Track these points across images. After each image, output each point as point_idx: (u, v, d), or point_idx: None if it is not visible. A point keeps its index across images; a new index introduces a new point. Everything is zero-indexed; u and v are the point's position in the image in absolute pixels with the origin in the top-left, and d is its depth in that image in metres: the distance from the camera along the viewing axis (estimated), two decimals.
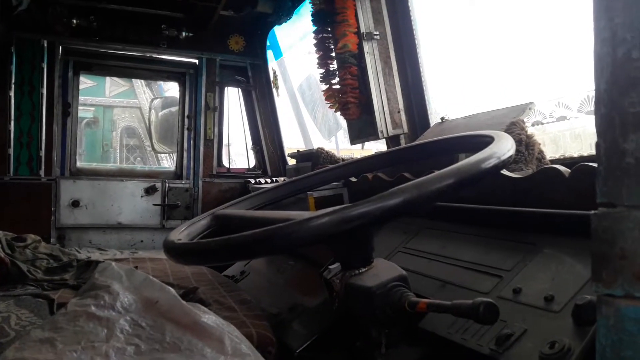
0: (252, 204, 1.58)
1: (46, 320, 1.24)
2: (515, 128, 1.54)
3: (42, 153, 3.33)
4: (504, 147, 1.05)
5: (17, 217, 3.18)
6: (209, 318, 1.26)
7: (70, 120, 3.57)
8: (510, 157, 1.04)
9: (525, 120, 1.58)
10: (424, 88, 2.40)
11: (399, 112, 2.37)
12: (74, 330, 1.11)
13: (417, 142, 1.43)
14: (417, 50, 2.37)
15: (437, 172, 0.95)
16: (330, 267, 1.07)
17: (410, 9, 2.33)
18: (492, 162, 0.97)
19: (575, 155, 1.55)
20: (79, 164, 3.75)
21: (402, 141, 2.42)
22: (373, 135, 2.39)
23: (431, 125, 2.33)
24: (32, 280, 1.97)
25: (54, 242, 3.30)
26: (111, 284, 1.39)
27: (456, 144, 1.44)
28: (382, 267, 1.07)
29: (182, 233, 1.26)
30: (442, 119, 2.20)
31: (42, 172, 3.33)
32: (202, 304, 1.74)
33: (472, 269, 1.21)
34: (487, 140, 1.13)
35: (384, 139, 2.45)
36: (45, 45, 3.35)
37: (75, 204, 3.45)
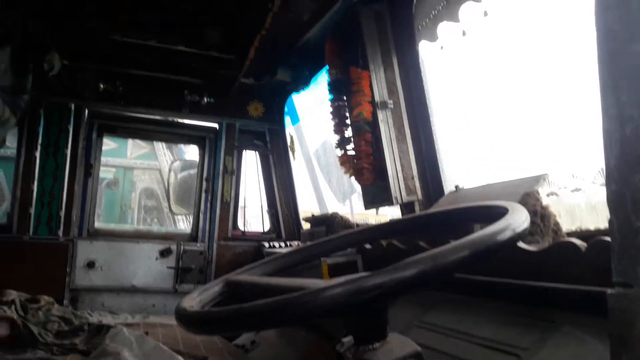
0: (265, 270, 1.57)
1: None
2: (529, 199, 1.52)
3: (62, 213, 3.39)
4: (519, 219, 1.04)
5: (33, 276, 3.19)
6: None
7: (91, 180, 3.66)
8: (525, 229, 1.03)
9: (539, 191, 1.57)
10: (438, 155, 2.43)
11: (412, 178, 2.38)
12: None
13: (431, 210, 1.43)
14: (430, 119, 2.42)
15: (451, 244, 0.94)
16: (344, 340, 1.04)
17: (424, 79, 2.41)
18: (507, 234, 0.96)
19: (592, 228, 1.52)
20: (97, 224, 3.79)
21: (417, 207, 2.41)
22: (387, 201, 2.39)
23: (445, 192, 2.32)
24: (43, 344, 1.95)
25: (66, 303, 3.28)
26: (121, 350, 1.36)
27: (470, 214, 1.43)
28: (397, 343, 1.03)
29: (194, 300, 1.25)
30: (456, 187, 2.20)
31: (60, 232, 3.38)
32: None
33: (489, 346, 1.17)
34: (501, 212, 1.12)
35: (399, 205, 2.45)
36: (73, 108, 3.50)
37: (90, 265, 3.46)
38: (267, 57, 3.10)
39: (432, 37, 2.27)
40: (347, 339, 1.05)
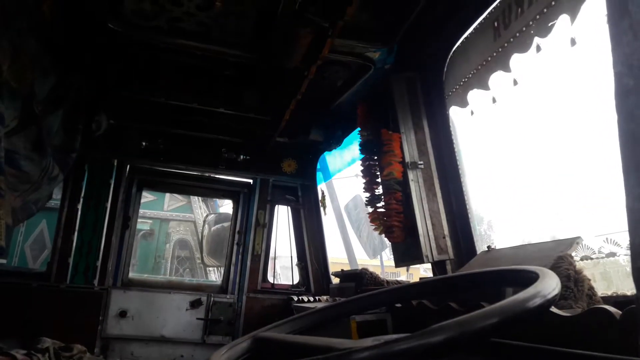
0: (293, 327, 1.59)
1: None
2: (563, 263, 1.52)
3: (99, 263, 3.51)
4: (550, 285, 1.05)
5: (67, 324, 3.27)
6: None
7: (128, 232, 3.80)
8: (556, 296, 1.04)
9: (573, 254, 1.56)
10: (469, 215, 2.44)
11: (444, 237, 2.39)
12: None
13: (463, 272, 1.44)
14: (461, 179, 2.45)
15: (480, 311, 0.96)
16: None
17: (454, 141, 2.46)
18: (537, 301, 0.96)
19: (629, 293, 1.49)
20: (131, 274, 3.89)
21: (448, 266, 2.40)
22: (418, 259, 2.39)
23: (478, 252, 2.31)
24: None
25: (97, 352, 3.33)
26: None
27: (502, 277, 1.43)
28: None
29: (222, 357, 1.29)
30: (488, 247, 2.19)
31: (96, 282, 3.48)
32: None
33: None
34: (532, 277, 1.13)
35: (430, 263, 2.44)
36: (116, 164, 3.70)
37: (122, 314, 3.52)
38: (301, 118, 3.24)
39: (463, 104, 2.34)
40: None
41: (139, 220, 4.21)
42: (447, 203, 2.46)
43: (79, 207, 3.53)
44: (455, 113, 2.54)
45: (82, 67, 2.82)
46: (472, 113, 2.48)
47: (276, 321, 4.01)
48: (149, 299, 3.64)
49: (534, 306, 0.97)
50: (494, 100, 2.33)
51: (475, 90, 2.42)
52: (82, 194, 3.56)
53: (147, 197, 7.96)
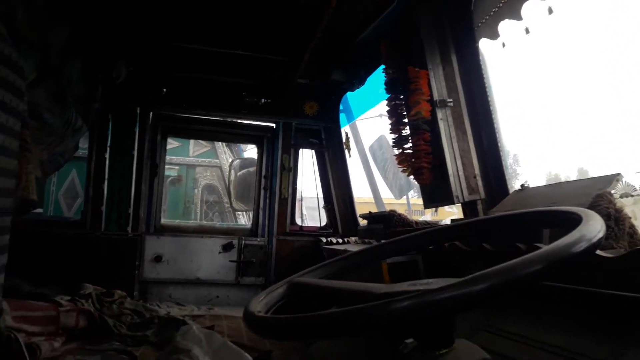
0: (327, 272, 1.59)
1: None
2: (602, 201, 1.46)
3: (131, 210, 3.59)
4: (594, 228, 1.01)
5: (105, 270, 3.41)
6: None
7: (157, 179, 3.85)
8: (601, 239, 0.99)
9: (612, 192, 1.50)
10: (501, 153, 2.36)
11: (474, 177, 2.33)
12: None
13: (498, 213, 1.40)
14: (493, 116, 2.36)
15: (524, 257, 0.93)
16: (407, 341, 1.05)
17: (485, 76, 2.34)
18: (582, 245, 0.92)
19: None
20: (163, 220, 3.99)
21: (479, 206, 2.37)
22: (448, 200, 2.36)
23: (510, 191, 2.26)
24: (117, 335, 2.09)
25: (136, 295, 3.49)
26: (192, 348, 1.44)
27: (541, 218, 1.38)
28: (465, 350, 1.02)
29: (260, 303, 1.29)
30: (522, 186, 2.13)
31: (129, 229, 3.59)
32: None
33: (561, 355, 1.14)
34: (574, 218, 1.08)
35: (459, 204, 2.41)
36: (139, 112, 3.70)
37: (157, 259, 3.65)
38: (322, 58, 3.12)
39: (493, 35, 2.20)
40: (411, 341, 1.06)
41: (166, 167, 4.27)
42: (477, 141, 2.38)
43: (107, 156, 3.57)
44: (485, 46, 2.40)
45: (97, 15, 2.74)
46: (503, 45, 2.35)
47: (306, 262, 4.10)
48: (182, 243, 3.75)
49: (579, 250, 0.93)
50: (527, 31, 2.18)
51: (506, 20, 2.26)
52: (109, 143, 3.60)
53: (172, 143, 8.02)
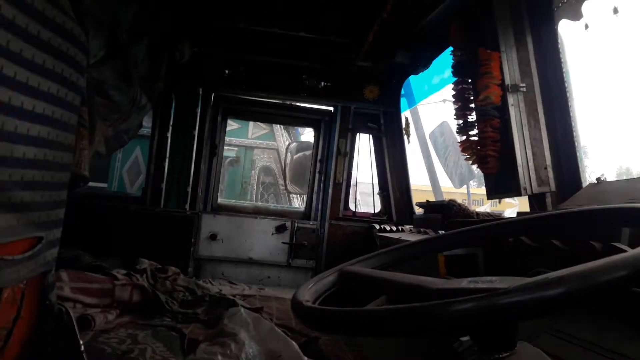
0: (380, 262, 1.52)
1: None
2: None
3: (189, 189, 3.68)
4: None
5: (162, 245, 3.53)
6: None
7: (216, 159, 3.91)
8: None
9: None
10: (576, 143, 2.17)
11: (545, 168, 2.16)
12: None
13: (574, 208, 1.26)
14: (569, 103, 2.16)
15: (608, 259, 0.81)
16: (462, 339, 0.96)
17: (562, 59, 2.15)
18: None
19: None
20: (219, 200, 4.06)
21: (548, 199, 2.20)
22: (514, 191, 2.20)
23: (584, 185, 2.08)
24: (169, 311, 2.13)
25: (191, 271, 3.58)
26: (238, 332, 1.42)
27: (622, 215, 1.23)
28: (527, 355, 0.92)
29: (309, 291, 1.23)
30: (597, 179, 1.95)
31: (187, 206, 3.67)
32: (322, 358, 1.72)
33: None
34: None
35: (526, 196, 2.24)
36: (201, 92, 3.75)
37: (213, 237, 3.72)
38: (386, 40, 3.01)
39: (575, 16, 2.00)
40: (466, 339, 0.97)
41: (225, 147, 4.33)
42: (551, 131, 2.19)
43: (169, 135, 3.66)
44: (564, 28, 2.20)
45: None
46: (586, 27, 2.13)
47: (357, 248, 4.07)
48: (237, 223, 3.80)
49: None
50: (615, 11, 1.96)
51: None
52: (171, 123, 3.68)
53: (231, 125, 8.16)
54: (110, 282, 2.23)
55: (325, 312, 1.06)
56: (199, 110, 3.74)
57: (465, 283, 0.85)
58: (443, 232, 2.36)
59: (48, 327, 1.38)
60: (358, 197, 4.53)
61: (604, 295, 0.82)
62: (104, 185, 6.84)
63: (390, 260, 1.53)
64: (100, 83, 2.26)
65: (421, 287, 0.89)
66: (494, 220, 1.72)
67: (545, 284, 0.79)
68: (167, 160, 3.66)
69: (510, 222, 1.47)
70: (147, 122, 3.86)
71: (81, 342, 1.46)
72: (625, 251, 1.44)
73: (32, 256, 1.21)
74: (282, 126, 9.13)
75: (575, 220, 1.34)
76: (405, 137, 3.91)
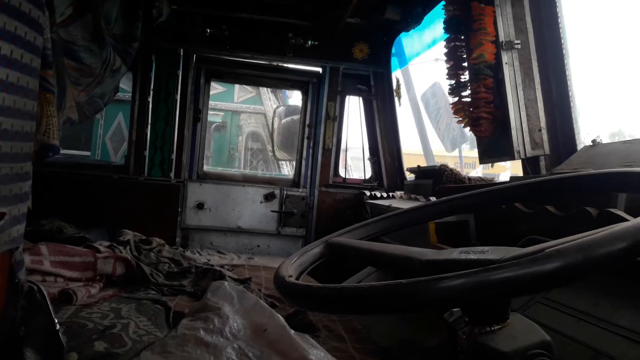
0: (368, 232, 1.44)
1: (156, 343, 1.24)
2: None
3: (174, 156, 3.56)
4: None
5: (148, 215, 3.45)
6: (317, 355, 1.17)
7: (200, 125, 3.78)
8: None
9: None
10: (572, 104, 2.08)
11: (539, 130, 2.08)
12: (182, 355, 1.09)
13: (566, 174, 1.19)
14: (565, 62, 2.06)
15: (606, 231, 0.73)
16: (453, 309, 0.91)
17: (559, 14, 2.03)
18: None
19: None
20: (205, 167, 3.96)
21: (542, 163, 2.13)
22: (507, 155, 2.13)
23: (579, 147, 2.00)
24: (154, 284, 2.07)
25: (178, 241, 3.52)
26: (222, 306, 1.36)
27: (617, 181, 1.16)
28: (521, 327, 0.87)
29: (293, 265, 1.16)
30: (593, 141, 1.88)
31: (172, 174, 3.57)
32: (311, 329, 1.67)
33: (630, 338, 0.97)
34: None
35: (520, 160, 2.17)
36: (181, 53, 3.58)
37: (200, 206, 3.64)
38: None
39: None
40: (457, 309, 0.91)
41: (210, 112, 4.19)
42: (546, 91, 2.10)
43: (150, 99, 3.52)
44: None
45: None
46: None
47: (348, 215, 3.99)
48: (225, 191, 3.72)
49: None
50: None
51: None
52: (152, 87, 3.53)
53: (216, 88, 7.95)
54: (92, 254, 2.16)
55: (308, 289, 0.98)
56: (181, 72, 3.57)
57: (456, 254, 0.79)
58: (434, 198, 2.29)
59: (18, 306, 1.31)
60: (349, 163, 4.45)
61: (603, 269, 0.75)
62: (88, 153, 6.68)
63: (378, 230, 1.46)
64: (69, 44, 2.11)
65: (410, 258, 0.83)
66: (486, 186, 1.64)
67: (541, 258, 0.71)
68: (149, 126, 3.52)
69: (501, 189, 1.39)
70: (128, 85, 3.70)
71: (56, 321, 1.40)
72: (622, 217, 1.38)
73: None
74: (269, 89, 8.92)
75: (570, 186, 1.26)
76: (396, 99, 3.79)
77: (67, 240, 2.40)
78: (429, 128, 6.00)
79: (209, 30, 3.48)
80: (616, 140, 1.91)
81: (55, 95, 1.52)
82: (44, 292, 1.27)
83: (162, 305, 1.77)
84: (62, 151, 1.70)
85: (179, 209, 3.59)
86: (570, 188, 1.30)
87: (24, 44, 1.19)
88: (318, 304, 0.93)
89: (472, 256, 0.76)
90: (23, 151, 1.26)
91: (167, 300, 1.84)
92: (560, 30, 2.08)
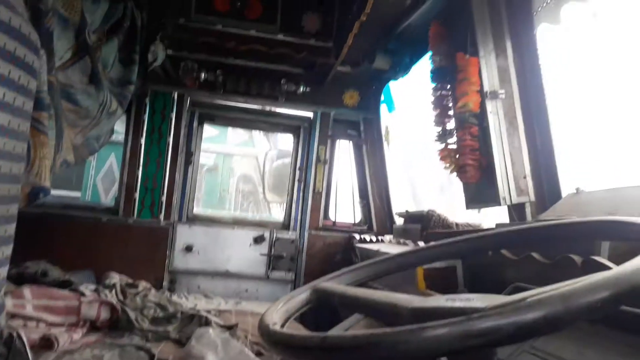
0: (355, 277, 1.45)
1: None
2: None
3: (164, 198, 3.56)
4: None
5: (136, 258, 3.41)
6: None
7: (191, 168, 3.80)
8: None
9: None
10: (554, 152, 2.14)
11: (524, 177, 2.12)
12: None
13: (555, 221, 1.22)
14: (547, 111, 2.13)
15: (586, 281, 0.74)
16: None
17: (541, 66, 2.12)
18: None
19: None
20: (195, 210, 3.94)
21: (527, 209, 2.16)
22: (493, 201, 2.16)
23: (563, 195, 2.04)
24: (139, 329, 2.02)
25: (165, 285, 3.46)
26: (206, 354, 1.34)
27: (599, 229, 1.18)
28: None
29: (278, 312, 1.16)
30: (577, 189, 1.92)
31: (161, 217, 3.56)
32: None
33: None
34: None
35: (506, 207, 2.20)
36: (175, 97, 3.65)
37: (188, 248, 3.61)
38: (365, 43, 2.96)
39: (555, 20, 1.98)
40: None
41: (203, 154, 4.22)
42: (530, 138, 2.16)
43: (142, 141, 3.55)
44: (544, 35, 2.18)
45: None
46: (566, 30, 2.11)
47: (337, 259, 3.96)
48: (214, 234, 3.69)
49: None
50: (594, 15, 1.95)
51: (571, 3, 2.03)
52: (145, 128, 3.57)
53: (210, 130, 8.04)
54: (76, 298, 2.12)
55: (290, 338, 0.97)
56: (174, 115, 3.63)
57: (442, 301, 0.79)
58: (422, 243, 2.30)
59: None
60: (339, 208, 4.47)
61: (585, 318, 0.76)
62: (78, 194, 6.63)
63: (366, 275, 1.46)
64: (66, 87, 2.15)
65: (396, 305, 0.84)
66: (473, 232, 1.66)
67: (523, 307, 0.72)
68: (140, 168, 3.54)
69: (487, 236, 1.41)
70: (121, 127, 3.74)
71: None
72: (605, 265, 1.40)
73: None
74: (261, 132, 9.05)
75: (554, 234, 1.28)
76: (385, 144, 3.87)
77: (53, 284, 2.35)
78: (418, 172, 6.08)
79: (203, 75, 3.55)
80: (601, 189, 1.95)
81: (48, 137, 1.54)
82: (24, 338, 1.25)
83: (145, 352, 1.74)
84: (52, 192, 1.70)
85: (168, 252, 3.55)
86: (552, 236, 1.33)
87: (17, 87, 1.22)
88: (301, 354, 0.92)
89: (458, 304, 0.77)
90: (10, 193, 1.26)
91: (151, 347, 1.80)
92: (543, 82, 2.16)
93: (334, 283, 1.39)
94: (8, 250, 1.26)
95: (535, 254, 1.56)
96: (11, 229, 1.27)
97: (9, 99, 1.15)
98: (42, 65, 1.56)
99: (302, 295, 1.32)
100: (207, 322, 2.16)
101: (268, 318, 1.10)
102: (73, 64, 2.23)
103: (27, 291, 2.02)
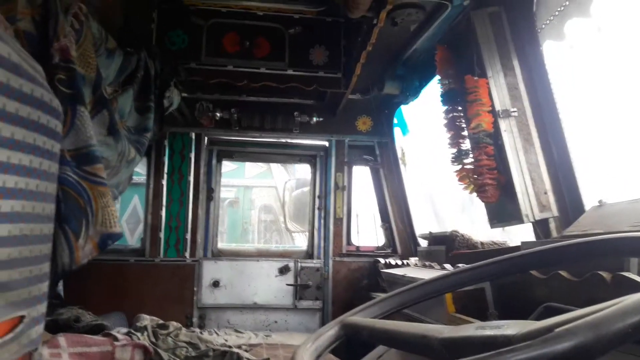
0: (382, 310, 1.44)
1: None
2: None
3: (188, 236, 3.63)
4: None
5: (165, 296, 3.46)
6: None
7: (213, 204, 3.87)
8: None
9: None
10: (573, 165, 2.12)
11: (545, 193, 2.10)
12: None
13: (583, 240, 1.21)
14: (562, 125, 2.13)
15: (615, 306, 0.74)
16: None
17: (551, 82, 2.12)
18: None
19: None
20: (220, 244, 3.99)
21: (552, 225, 2.13)
22: (516, 219, 2.14)
23: (586, 208, 2.02)
24: None
25: (195, 322, 3.48)
26: None
27: (627, 246, 1.17)
28: None
29: (308, 350, 1.17)
30: (599, 201, 1.89)
31: (187, 254, 3.61)
32: None
33: None
34: None
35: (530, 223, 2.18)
36: (193, 137, 3.75)
37: (215, 284, 3.64)
38: (373, 71, 3.03)
39: (559, 36, 1.99)
40: None
41: (223, 189, 4.29)
42: (547, 153, 2.15)
43: (164, 182, 3.64)
44: (551, 51, 2.19)
45: (146, 44, 2.80)
46: (571, 47, 2.13)
47: (363, 284, 3.94)
48: (240, 267, 3.73)
49: None
50: (598, 30, 1.96)
51: (575, 19, 2.05)
52: (165, 170, 3.66)
53: (228, 165, 8.15)
54: (110, 343, 2.15)
55: None
56: (193, 154, 3.72)
57: (472, 330, 0.80)
58: (449, 265, 2.28)
59: None
60: (362, 233, 4.46)
61: (617, 346, 0.75)
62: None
63: (394, 306, 1.46)
64: None
65: (426, 337, 0.84)
66: (498, 251, 1.65)
67: (551, 338, 0.72)
68: (164, 208, 3.62)
69: (515, 257, 1.40)
70: (142, 169, 3.84)
71: None
72: (635, 281, 1.37)
73: (15, 337, 1.15)
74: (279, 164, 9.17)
75: (584, 252, 1.27)
76: (402, 166, 3.88)
77: (85, 329, 2.39)
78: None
79: (218, 114, 3.65)
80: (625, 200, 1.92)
81: (107, 187, 1.62)
82: None
83: None
84: None
85: (195, 289, 3.59)
86: (580, 254, 1.31)
87: (42, 152, 1.29)
88: None
89: (488, 332, 0.78)
90: (42, 253, 1.32)
91: None
92: (554, 96, 2.16)
93: (362, 316, 1.39)
94: (43, 307, 1.31)
95: (563, 272, 1.55)
96: (44, 287, 1.32)
97: (35, 164, 1.21)
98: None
99: (330, 331, 1.33)
100: (239, 359, 2.17)
101: (299, 358, 1.11)
102: (92, 117, 2.32)
103: (62, 339, 2.05)
